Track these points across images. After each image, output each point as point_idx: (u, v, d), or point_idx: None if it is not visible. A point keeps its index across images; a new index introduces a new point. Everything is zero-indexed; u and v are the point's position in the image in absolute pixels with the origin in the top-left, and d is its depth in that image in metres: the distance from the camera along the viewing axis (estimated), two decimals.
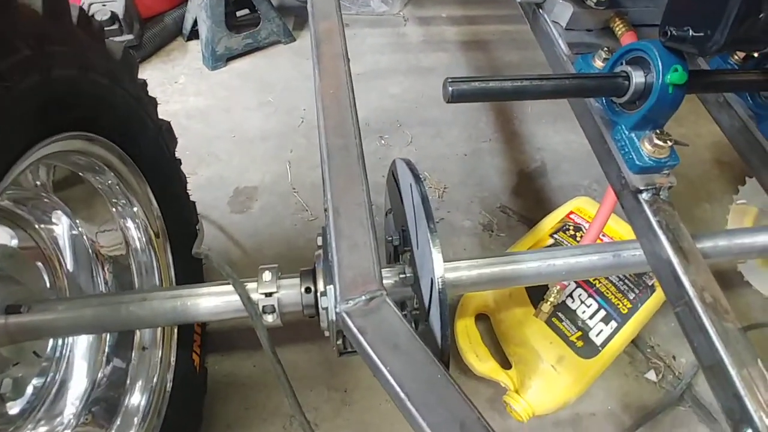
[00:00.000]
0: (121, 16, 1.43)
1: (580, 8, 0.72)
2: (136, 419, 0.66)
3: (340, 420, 0.90)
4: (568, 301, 0.87)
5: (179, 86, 1.49)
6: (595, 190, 1.28)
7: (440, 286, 0.46)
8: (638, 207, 0.56)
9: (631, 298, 0.89)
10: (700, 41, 0.48)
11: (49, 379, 0.62)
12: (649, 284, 0.89)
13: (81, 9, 0.55)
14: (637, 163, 0.56)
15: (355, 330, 0.43)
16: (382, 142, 1.36)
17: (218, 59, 1.53)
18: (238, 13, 1.65)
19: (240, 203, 1.21)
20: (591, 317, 0.86)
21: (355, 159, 0.54)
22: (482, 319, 0.97)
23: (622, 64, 0.58)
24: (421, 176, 0.57)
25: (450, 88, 0.52)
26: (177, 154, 0.84)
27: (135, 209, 0.66)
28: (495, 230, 1.18)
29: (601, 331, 0.86)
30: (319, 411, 0.90)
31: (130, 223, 0.67)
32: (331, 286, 0.50)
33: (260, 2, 1.56)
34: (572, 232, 0.98)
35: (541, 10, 0.79)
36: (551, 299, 0.79)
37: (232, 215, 1.18)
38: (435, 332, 0.49)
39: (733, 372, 0.44)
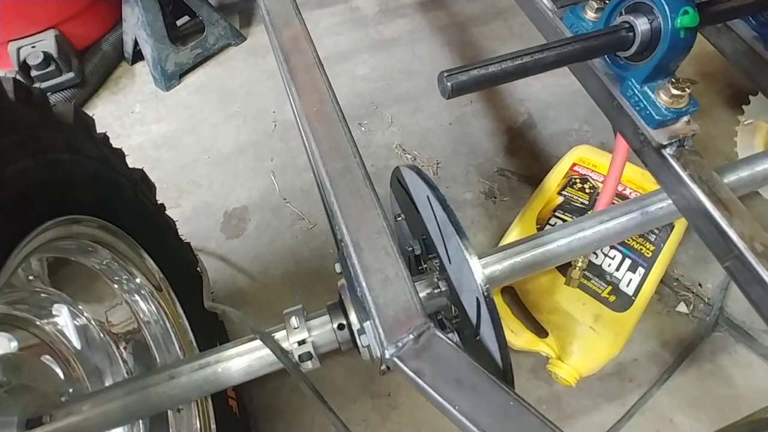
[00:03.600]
0: (55, 55, 1.32)
1: None
2: None
3: (391, 424, 0.89)
4: (593, 258, 0.86)
5: (137, 116, 1.40)
6: (587, 131, 1.25)
7: (490, 308, 0.43)
8: (665, 163, 0.53)
9: (653, 240, 0.87)
10: None
11: None
12: (666, 236, 0.88)
13: (16, 81, 0.48)
14: (656, 117, 0.52)
15: (411, 374, 0.40)
16: (363, 129, 1.30)
17: (170, 78, 1.43)
18: (179, 22, 1.54)
19: (233, 227, 1.15)
20: (618, 269, 0.85)
21: (361, 181, 0.49)
22: (506, 290, 0.95)
23: (621, 14, 0.53)
24: (434, 184, 0.53)
25: (448, 83, 0.47)
26: (158, 191, 0.78)
27: (137, 280, 0.61)
28: (498, 196, 1.15)
29: (631, 280, 0.84)
30: (369, 421, 0.88)
31: (135, 296, 0.62)
32: (368, 323, 0.47)
33: (200, 7, 1.45)
34: (580, 185, 0.96)
35: None
36: (579, 264, 0.77)
37: (229, 241, 1.13)
38: (491, 351, 0.46)
39: None
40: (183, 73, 1.46)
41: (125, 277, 0.61)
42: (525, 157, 1.22)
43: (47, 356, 0.60)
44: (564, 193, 0.95)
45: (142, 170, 0.74)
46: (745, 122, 0.97)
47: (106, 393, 0.53)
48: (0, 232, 0.39)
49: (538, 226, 0.92)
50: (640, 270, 0.85)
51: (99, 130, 0.64)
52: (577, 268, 0.77)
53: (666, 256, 0.87)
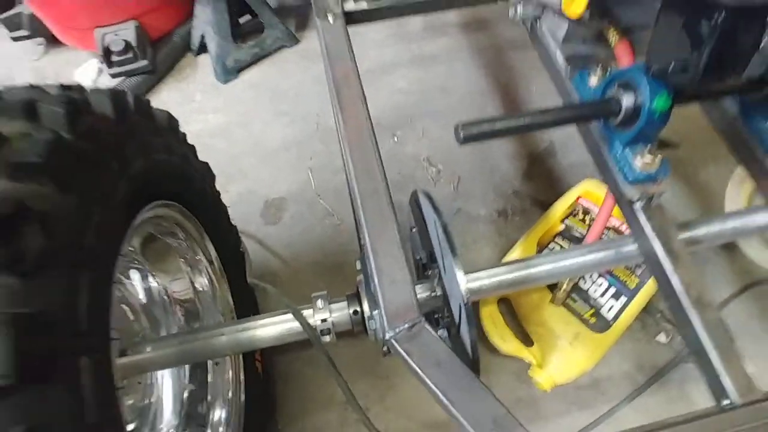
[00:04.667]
0: (134, 44, 1.50)
1: (574, 22, 0.78)
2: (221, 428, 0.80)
3: (388, 402, 1.03)
4: (581, 282, 0.97)
5: (197, 105, 1.57)
6: None
7: (468, 312, 0.56)
8: (633, 214, 0.64)
9: (639, 273, 0.98)
10: (680, 76, 0.55)
11: (148, 402, 0.75)
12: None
13: (136, 97, 0.63)
14: (630, 177, 0.63)
15: (403, 353, 0.54)
16: (395, 139, 1.44)
17: (229, 72, 1.60)
18: (241, 20, 1.70)
19: (272, 215, 1.31)
20: (602, 295, 0.96)
21: (385, 203, 0.63)
22: (503, 301, 1.07)
23: (614, 86, 0.65)
24: (440, 211, 0.66)
25: (461, 133, 0.60)
26: None
27: (197, 257, 0.77)
28: (510, 215, 1.26)
29: (612, 306, 0.95)
30: (369, 397, 1.03)
31: (194, 269, 0.78)
32: (377, 311, 0.61)
33: (262, 10, 1.60)
34: (581, 216, 1.07)
35: (538, 23, 0.84)
36: (564, 287, 0.88)
37: (267, 227, 1.29)
38: (466, 345, 0.59)
39: (713, 356, 0.54)
40: (240, 69, 1.62)
41: (189, 254, 0.77)
42: (541, 183, 1.33)
43: (124, 306, 0.76)
44: (566, 221, 1.06)
45: (207, 164, 0.89)
46: (737, 171, 1.06)
47: (169, 339, 0.69)
48: (125, 210, 0.55)
49: (539, 249, 1.04)
50: (623, 299, 0.96)
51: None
52: (562, 290, 0.88)
53: (649, 289, 0.98)
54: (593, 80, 0.71)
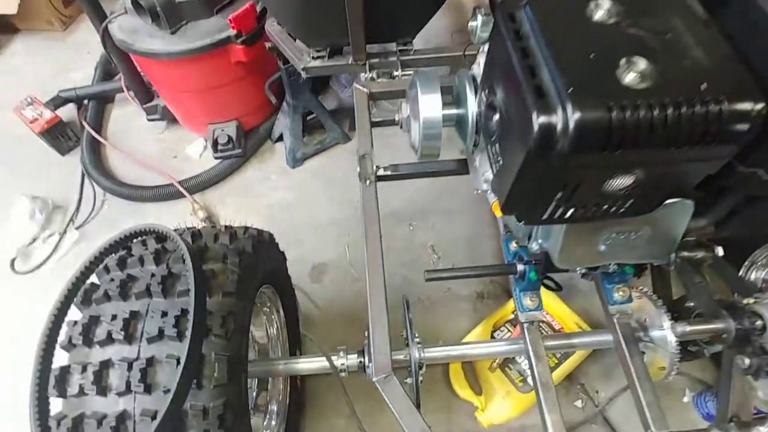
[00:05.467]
0: (234, 138, 2.10)
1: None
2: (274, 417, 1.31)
3: (378, 418, 1.51)
4: (517, 357, 1.43)
5: (272, 183, 2.15)
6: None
7: (416, 372, 1.05)
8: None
9: (558, 356, 1.43)
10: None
11: None
12: (570, 353, 1.43)
13: (260, 233, 1.17)
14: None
15: (381, 391, 1.03)
16: (411, 228, 1.95)
17: (297, 161, 2.17)
18: (308, 117, 2.28)
19: (316, 276, 1.84)
20: (528, 368, 1.42)
21: (382, 298, 1.11)
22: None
23: (518, 257, 1.13)
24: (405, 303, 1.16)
25: (426, 276, 1.10)
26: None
27: (272, 315, 1.30)
28: (485, 298, 1.74)
29: None
30: (366, 413, 1.51)
31: (268, 320, 1.31)
32: (371, 364, 1.10)
33: (324, 118, 2.18)
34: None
35: None
36: (496, 362, 1.35)
37: (312, 285, 1.81)
38: (416, 390, 1.08)
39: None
40: (305, 159, 2.19)
41: (268, 312, 1.30)
42: None
43: None
44: (515, 313, 1.53)
45: (284, 253, 1.43)
46: None
47: (252, 363, 1.21)
48: (253, 287, 1.07)
49: (494, 329, 1.51)
50: None
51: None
52: (495, 362, 1.35)
53: (564, 368, 1.42)
54: (513, 246, 1.19)
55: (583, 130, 0.49)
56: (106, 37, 1.84)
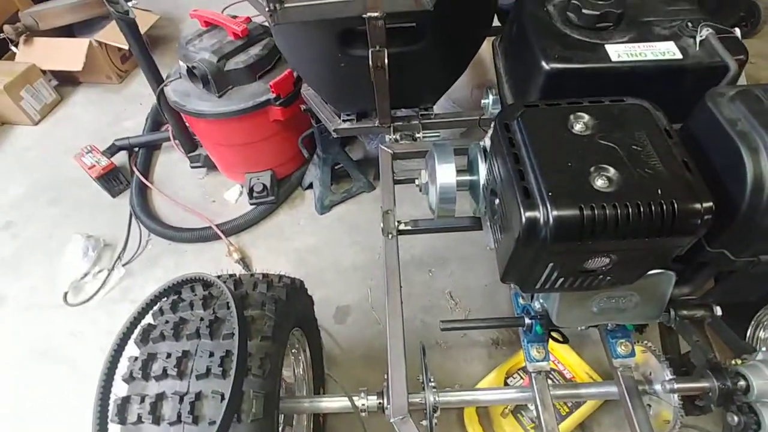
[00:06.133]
0: (269, 186, 2.29)
1: None
2: None
3: None
4: (529, 404, 1.50)
5: (300, 227, 2.31)
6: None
7: (430, 415, 1.15)
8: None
9: (569, 405, 1.50)
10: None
11: None
12: (581, 402, 1.50)
13: (293, 281, 1.31)
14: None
15: (396, 429, 1.13)
16: (430, 274, 2.06)
17: (325, 208, 2.34)
18: (336, 167, 2.46)
19: (340, 317, 1.96)
20: None
21: (401, 346, 1.23)
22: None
23: (525, 310, 1.23)
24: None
25: (441, 325, 1.21)
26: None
27: (300, 356, 1.43)
28: (500, 344, 1.82)
29: None
30: None
31: (297, 362, 1.43)
32: (389, 407, 1.21)
33: (351, 169, 2.35)
34: None
35: None
36: (507, 409, 1.43)
37: (336, 326, 1.93)
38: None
39: None
40: (332, 206, 2.36)
41: (296, 353, 1.42)
42: None
43: None
44: (519, 372, 1.60)
45: (312, 298, 1.56)
46: None
47: (288, 399, 1.33)
48: (286, 331, 1.20)
49: (506, 376, 1.59)
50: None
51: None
52: (507, 408, 1.43)
53: (576, 416, 1.49)
54: (521, 300, 1.29)
55: (560, 225, 0.62)
56: (161, 97, 2.09)
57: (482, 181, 1.09)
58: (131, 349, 1.10)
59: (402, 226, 1.50)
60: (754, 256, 0.71)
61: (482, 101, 1.24)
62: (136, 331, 1.12)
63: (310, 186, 2.41)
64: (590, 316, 0.89)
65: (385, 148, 1.65)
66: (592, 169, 0.64)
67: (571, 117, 0.71)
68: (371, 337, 1.89)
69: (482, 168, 1.11)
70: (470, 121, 1.75)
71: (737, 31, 0.87)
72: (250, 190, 2.28)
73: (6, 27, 2.98)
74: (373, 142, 2.46)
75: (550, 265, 0.69)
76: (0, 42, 3.02)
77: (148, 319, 1.16)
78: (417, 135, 1.71)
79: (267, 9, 1.10)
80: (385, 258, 1.42)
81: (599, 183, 0.64)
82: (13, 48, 3.08)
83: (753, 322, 1.41)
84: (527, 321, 1.18)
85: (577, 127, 0.70)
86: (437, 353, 1.80)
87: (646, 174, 0.64)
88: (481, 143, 1.17)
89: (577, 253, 0.66)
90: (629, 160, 0.65)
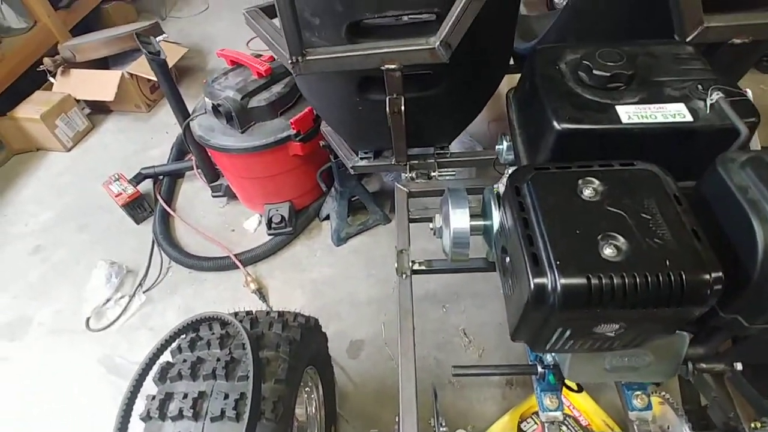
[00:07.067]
0: (287, 217, 2.34)
1: None
2: None
3: None
4: None
5: (317, 258, 2.35)
6: None
7: None
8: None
9: None
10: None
11: None
12: None
13: (308, 319, 1.34)
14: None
15: None
16: (444, 310, 2.06)
17: (341, 240, 2.37)
18: (353, 198, 2.50)
19: (353, 351, 1.97)
20: None
21: (413, 391, 1.23)
22: None
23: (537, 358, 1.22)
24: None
25: (453, 371, 1.21)
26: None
27: (312, 395, 1.43)
28: (514, 385, 1.80)
29: None
30: None
31: (308, 399, 1.44)
32: None
33: (368, 202, 2.39)
34: None
35: None
36: None
37: (349, 360, 1.94)
38: None
39: None
40: (348, 238, 2.39)
41: (309, 392, 1.43)
42: None
43: None
44: (534, 416, 1.58)
45: (326, 335, 1.57)
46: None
47: None
48: (300, 372, 1.22)
49: (520, 420, 1.57)
50: None
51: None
52: None
53: None
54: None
55: (568, 293, 0.63)
56: (187, 131, 2.17)
57: (496, 226, 1.11)
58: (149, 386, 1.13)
59: (416, 266, 1.51)
60: None
61: (497, 146, 1.26)
62: (155, 369, 1.15)
63: (327, 217, 2.45)
64: (603, 372, 0.89)
65: (401, 187, 1.68)
66: (600, 237, 0.65)
67: (580, 182, 0.72)
68: (384, 373, 1.88)
69: (495, 214, 1.12)
70: (485, 160, 1.78)
71: (749, 93, 0.88)
72: (269, 221, 2.33)
73: (46, 60, 3.16)
74: (389, 175, 2.50)
75: (560, 329, 0.69)
76: (39, 73, 3.19)
77: (167, 355, 1.19)
78: (433, 173, 1.74)
79: (289, 61, 1.15)
80: (399, 299, 1.43)
81: (607, 252, 0.65)
82: (51, 78, 3.25)
83: None
84: (540, 369, 1.18)
85: (587, 193, 0.71)
86: (450, 392, 1.78)
87: (655, 243, 0.64)
88: (495, 187, 1.19)
89: (585, 319, 0.66)
90: (638, 229, 0.66)
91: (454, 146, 2.25)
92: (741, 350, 0.86)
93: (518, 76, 1.17)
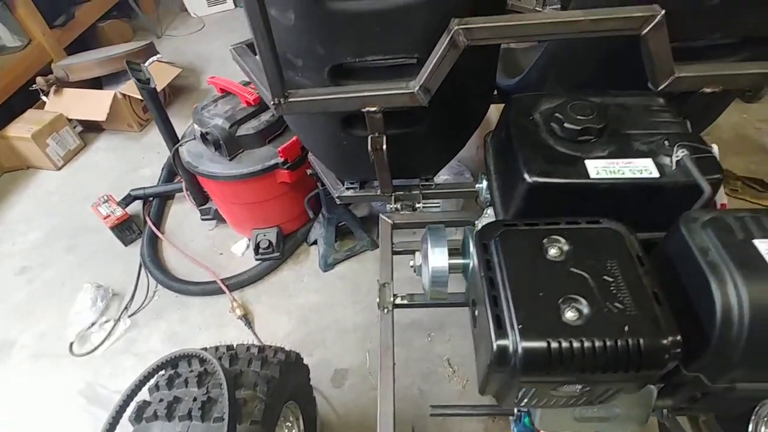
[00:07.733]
0: (274, 243, 2.34)
1: None
2: None
3: None
4: None
5: (304, 284, 2.35)
6: None
7: None
8: None
9: None
10: None
11: None
12: None
13: (288, 355, 1.34)
14: None
15: None
16: (429, 339, 2.06)
17: (328, 265, 2.37)
18: (340, 223, 2.51)
19: (337, 380, 1.96)
20: None
21: (391, 413, 1.23)
22: None
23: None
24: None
25: (431, 411, 1.21)
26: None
27: (294, 430, 1.43)
28: (497, 418, 1.79)
29: None
30: None
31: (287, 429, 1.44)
32: None
33: (355, 228, 2.40)
34: None
35: None
36: None
37: (332, 389, 1.93)
38: None
39: None
40: (336, 264, 2.39)
41: (290, 425, 1.43)
42: None
43: None
44: None
45: (308, 367, 1.57)
46: None
47: None
48: (277, 411, 1.22)
49: None
50: None
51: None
52: None
53: None
54: None
55: (528, 356, 0.64)
56: (176, 156, 2.18)
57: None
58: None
59: (399, 300, 1.52)
60: (731, 383, 0.72)
61: (477, 185, 1.29)
62: (132, 407, 1.14)
63: (315, 242, 2.45)
64: (573, 423, 0.90)
65: (386, 218, 1.70)
66: (562, 300, 0.67)
67: (545, 241, 0.74)
68: (367, 404, 1.88)
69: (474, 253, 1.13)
70: (469, 192, 1.80)
71: (715, 149, 0.91)
72: (256, 246, 2.34)
73: (39, 79, 3.17)
74: (378, 202, 2.51)
75: (523, 389, 0.70)
76: (32, 91, 3.21)
77: (144, 393, 1.19)
78: (417, 205, 1.75)
79: (272, 102, 1.17)
80: (380, 335, 1.44)
81: (569, 315, 0.66)
82: (44, 97, 3.26)
83: (753, 417, 1.38)
84: (516, 411, 1.18)
85: (552, 252, 0.73)
86: (433, 425, 1.78)
87: (615, 308, 0.66)
88: (476, 224, 1.20)
89: (546, 381, 0.68)
90: (599, 292, 0.68)
91: (444, 170, 2.27)
92: (708, 404, 0.87)
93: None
